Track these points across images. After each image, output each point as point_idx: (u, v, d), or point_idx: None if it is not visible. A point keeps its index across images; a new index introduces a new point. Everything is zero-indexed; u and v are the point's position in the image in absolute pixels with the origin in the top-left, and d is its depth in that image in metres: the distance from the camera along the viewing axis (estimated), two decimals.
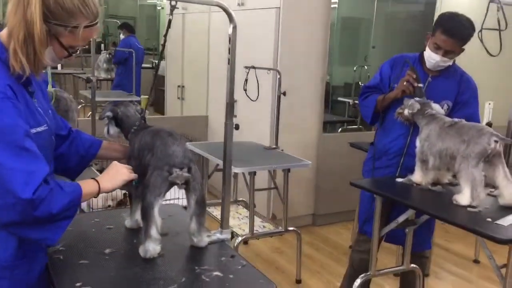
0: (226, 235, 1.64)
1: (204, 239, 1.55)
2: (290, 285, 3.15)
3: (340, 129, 5.39)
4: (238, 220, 3.31)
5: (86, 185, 1.36)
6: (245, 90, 3.28)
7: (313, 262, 3.47)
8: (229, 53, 1.57)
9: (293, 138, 3.81)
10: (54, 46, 1.30)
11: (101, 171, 2.77)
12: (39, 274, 1.37)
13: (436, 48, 2.31)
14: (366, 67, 5.91)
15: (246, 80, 3.30)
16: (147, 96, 7.31)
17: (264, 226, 3.23)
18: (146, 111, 1.77)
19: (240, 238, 2.92)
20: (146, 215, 1.44)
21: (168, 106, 5.76)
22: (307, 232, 3.93)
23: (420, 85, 2.31)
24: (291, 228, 3.13)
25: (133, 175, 1.50)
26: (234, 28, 1.57)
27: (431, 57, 2.34)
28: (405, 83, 2.32)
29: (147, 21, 10.48)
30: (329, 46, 3.96)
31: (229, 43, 1.57)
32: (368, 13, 5.72)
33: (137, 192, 1.55)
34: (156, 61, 7.63)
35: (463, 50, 2.33)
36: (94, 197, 1.40)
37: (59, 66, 5.34)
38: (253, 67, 3.27)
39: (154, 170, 1.45)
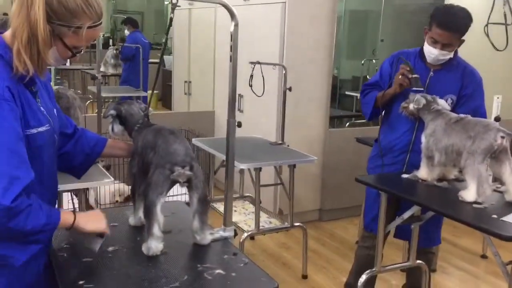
0: (229, 233, 1.64)
1: (207, 237, 1.55)
2: (296, 280, 3.15)
3: (347, 123, 5.37)
4: (245, 216, 3.32)
5: (64, 214, 1.34)
6: (251, 85, 3.28)
7: (319, 257, 3.47)
8: (231, 50, 1.57)
9: (299, 133, 3.80)
10: (58, 46, 1.31)
11: (107, 167, 2.78)
12: (38, 273, 1.38)
13: (433, 42, 2.29)
14: (374, 60, 5.87)
15: (252, 75, 3.29)
16: (156, 91, 7.36)
17: (270, 222, 3.23)
18: (150, 109, 1.77)
19: (246, 234, 2.93)
20: (148, 213, 1.45)
21: (175, 101, 5.77)
22: (314, 227, 3.93)
23: (416, 75, 2.30)
24: (297, 224, 3.13)
25: (107, 231, 1.46)
26: (236, 25, 1.56)
27: (430, 52, 2.32)
28: (400, 77, 2.31)
29: (155, 15, 10.50)
30: (337, 40, 3.93)
31: (231, 41, 1.56)
32: (376, 6, 5.67)
33: (140, 190, 1.56)
34: (165, 56, 7.65)
35: (462, 41, 2.30)
36: (66, 229, 1.38)
37: (67, 61, 5.40)
38: (259, 63, 3.26)
39: (156, 169, 1.45)
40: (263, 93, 3.32)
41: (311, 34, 3.80)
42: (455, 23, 2.24)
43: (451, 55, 2.34)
